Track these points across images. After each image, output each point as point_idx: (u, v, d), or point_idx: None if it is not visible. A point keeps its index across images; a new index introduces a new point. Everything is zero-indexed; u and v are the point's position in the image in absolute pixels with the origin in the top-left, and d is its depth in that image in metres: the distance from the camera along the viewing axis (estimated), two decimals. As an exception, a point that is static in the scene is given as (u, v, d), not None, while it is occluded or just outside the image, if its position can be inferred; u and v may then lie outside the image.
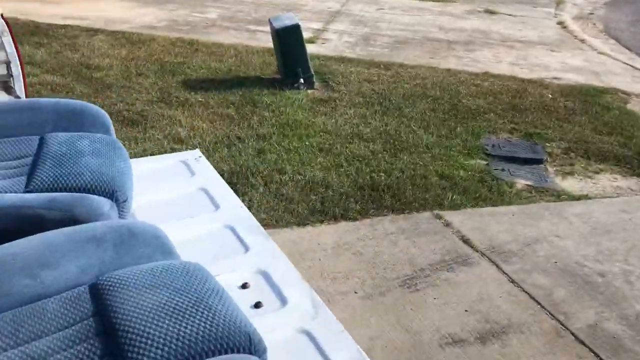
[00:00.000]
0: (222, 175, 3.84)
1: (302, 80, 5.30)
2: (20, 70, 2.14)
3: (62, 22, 6.70)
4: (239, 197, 3.62)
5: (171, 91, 5.12)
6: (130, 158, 1.88)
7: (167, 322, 1.09)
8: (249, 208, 3.54)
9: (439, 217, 3.69)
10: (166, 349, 1.04)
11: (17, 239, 1.48)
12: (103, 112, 2.02)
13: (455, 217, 3.71)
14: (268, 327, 1.50)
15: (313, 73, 5.38)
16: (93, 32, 6.52)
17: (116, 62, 5.66)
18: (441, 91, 5.60)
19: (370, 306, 2.91)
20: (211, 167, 2.29)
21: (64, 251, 1.30)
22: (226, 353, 1.06)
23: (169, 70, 5.57)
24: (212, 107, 4.88)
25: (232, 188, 3.69)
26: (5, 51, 2.11)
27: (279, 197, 3.69)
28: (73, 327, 1.14)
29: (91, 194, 1.63)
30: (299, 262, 3.17)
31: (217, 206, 2.05)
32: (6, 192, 1.59)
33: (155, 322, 1.10)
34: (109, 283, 1.22)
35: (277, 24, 5.24)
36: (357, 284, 3.06)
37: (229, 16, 7.86)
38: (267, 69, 5.81)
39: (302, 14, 7.96)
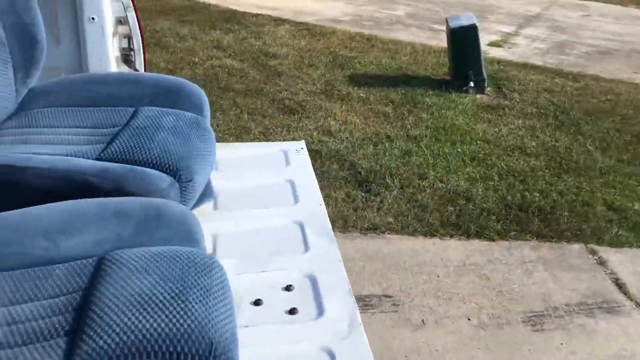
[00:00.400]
0: (359, 173, 3.77)
1: (471, 84, 4.97)
2: (141, 45, 2.24)
3: (255, 11, 7.08)
4: (371, 197, 3.53)
5: (335, 84, 5.13)
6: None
7: (133, 310, 1.02)
8: (378, 209, 3.41)
9: (593, 253, 3.20)
10: (118, 338, 0.97)
11: None
12: (200, 91, 2.02)
13: (613, 256, 3.19)
14: (292, 338, 1.37)
15: (485, 77, 5.02)
16: (280, 22, 6.79)
17: (293, 52, 5.82)
18: (635, 110, 4.88)
19: (482, 337, 2.60)
20: (308, 160, 2.20)
21: (87, 221, 1.30)
22: (179, 357, 0.95)
23: (340, 63, 5.59)
24: (370, 103, 4.79)
25: (366, 187, 3.60)
26: (129, 25, 2.22)
27: (412, 203, 3.48)
28: (60, 298, 1.12)
29: (154, 169, 1.62)
30: (415, 274, 2.96)
31: (296, 200, 1.95)
32: (78, 157, 1.65)
33: (123, 308, 1.03)
34: (111, 260, 1.19)
35: (453, 23, 4.97)
36: (474, 310, 2.76)
37: (415, 14, 7.69)
38: (439, 69, 5.56)
39: (495, 17, 7.51)
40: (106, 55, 2.20)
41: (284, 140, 4.07)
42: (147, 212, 1.33)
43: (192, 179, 1.66)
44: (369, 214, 3.39)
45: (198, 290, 1.08)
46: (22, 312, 1.09)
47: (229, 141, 4.04)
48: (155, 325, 1.00)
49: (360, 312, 2.71)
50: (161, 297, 1.04)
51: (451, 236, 3.25)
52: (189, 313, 1.03)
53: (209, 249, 1.70)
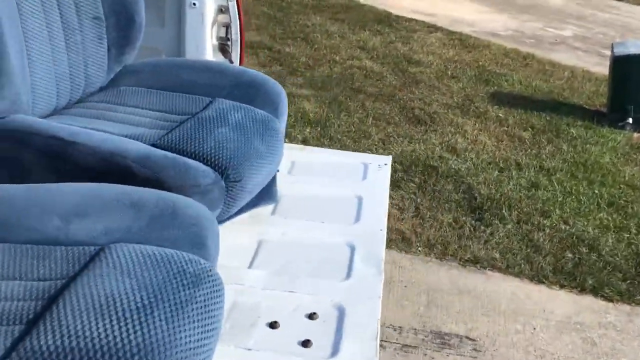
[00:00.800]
0: (474, 198, 3.47)
1: (630, 120, 4.41)
2: (240, 37, 2.19)
3: (409, 16, 6.91)
4: (481, 226, 3.23)
5: (474, 100, 4.82)
6: (372, 152, 1.77)
7: (95, 315, 0.94)
8: (485, 242, 3.11)
9: None
10: (67, 342, 0.90)
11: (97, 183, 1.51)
12: (280, 90, 1.93)
13: None
14: (294, 375, 1.22)
15: (649, 114, 4.43)
16: (433, 29, 6.56)
17: (437, 61, 5.58)
18: None
19: (567, 413, 2.26)
20: (388, 178, 2.02)
21: (103, 207, 1.25)
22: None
23: (485, 79, 5.25)
24: (508, 125, 4.43)
25: (478, 215, 3.31)
26: (229, 15, 2.18)
27: (526, 242, 3.14)
28: (45, 282, 1.08)
29: (203, 163, 1.55)
30: (509, 321, 2.66)
31: (357, 220, 1.79)
32: (136, 140, 1.63)
33: (87, 309, 0.96)
34: (107, 253, 1.13)
35: (618, 50, 4.44)
36: (566, 378, 2.41)
37: (585, 36, 7.03)
38: (596, 99, 5.01)
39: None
40: (203, 42, 2.19)
41: (402, 151, 3.89)
42: (163, 208, 1.25)
43: (241, 180, 1.57)
44: (474, 245, 3.11)
45: (173, 305, 0.98)
46: (4, 289, 1.06)
47: (345, 144, 3.95)
48: (110, 337, 0.91)
49: (434, 350, 2.49)
50: (128, 306, 0.96)
51: (562, 286, 2.88)
52: (152, 330, 0.93)
53: (249, 256, 1.61)
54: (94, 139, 1.50)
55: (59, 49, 1.77)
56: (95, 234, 1.20)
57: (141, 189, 1.32)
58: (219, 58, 2.28)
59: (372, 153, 3.84)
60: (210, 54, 2.22)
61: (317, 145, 3.93)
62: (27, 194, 1.27)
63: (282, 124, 1.84)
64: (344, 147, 3.92)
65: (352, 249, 1.63)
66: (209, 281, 1.09)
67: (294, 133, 4.08)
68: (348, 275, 1.54)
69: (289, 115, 4.30)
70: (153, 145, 1.60)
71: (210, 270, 1.12)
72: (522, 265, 2.97)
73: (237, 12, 2.12)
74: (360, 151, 3.83)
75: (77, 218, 1.22)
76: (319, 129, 4.19)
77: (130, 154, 1.46)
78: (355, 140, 4.04)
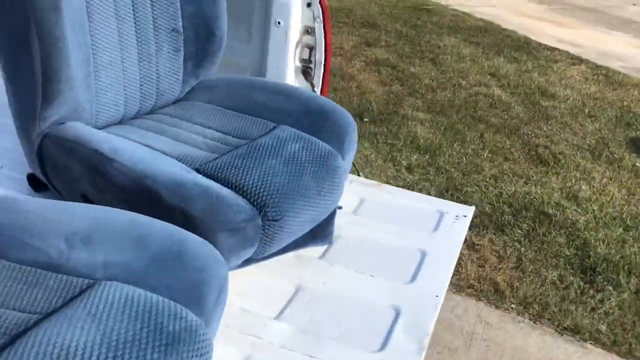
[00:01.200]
0: (587, 257, 3.07)
1: None
2: (324, 60, 2.05)
3: (552, 44, 6.42)
4: (590, 290, 2.82)
5: (610, 144, 4.32)
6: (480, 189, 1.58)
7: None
8: (592, 309, 2.73)
9: None
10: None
11: (128, 204, 1.44)
12: (350, 122, 1.76)
13: None
14: None
15: None
16: (577, 61, 6.03)
17: (575, 97, 5.10)
18: None
19: None
20: (463, 233, 1.77)
21: (109, 236, 1.17)
22: None
23: (627, 121, 4.71)
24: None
25: (589, 277, 2.91)
26: (314, 36, 2.04)
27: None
28: (20, 314, 1.02)
29: (242, 196, 1.43)
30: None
31: (413, 279, 1.57)
32: (184, 162, 1.55)
33: (31, 358, 0.87)
34: (94, 292, 1.04)
35: None
36: None
37: None
38: None
39: None
40: (284, 63, 2.08)
41: (515, 191, 3.56)
42: (169, 247, 1.15)
43: (280, 220, 1.43)
44: (578, 311, 2.74)
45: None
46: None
47: (452, 176, 3.69)
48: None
49: None
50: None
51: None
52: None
53: (279, 304, 1.47)
54: (132, 157, 1.43)
55: (129, 59, 1.75)
56: (94, 266, 1.12)
57: (154, 221, 1.22)
58: (301, 81, 2.16)
59: (481, 190, 3.54)
60: (291, 75, 2.11)
61: (422, 174, 3.71)
62: (42, 211, 1.23)
63: (346, 161, 1.68)
64: (450, 179, 3.66)
65: (397, 314, 1.43)
66: (191, 343, 0.96)
67: (399, 158, 3.89)
68: (383, 346, 1.34)
69: (398, 139, 4.11)
70: (196, 169, 1.51)
71: (197, 329, 0.99)
72: (633, 345, 2.56)
73: (323, 34, 1.99)
74: (467, 186, 3.56)
75: (82, 244, 1.15)
76: (427, 156, 3.96)
77: (160, 178, 1.38)
78: (464, 174, 3.76)
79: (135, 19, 1.75)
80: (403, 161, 3.88)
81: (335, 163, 1.62)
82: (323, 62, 2.04)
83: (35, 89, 1.52)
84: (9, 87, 1.58)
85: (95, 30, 1.63)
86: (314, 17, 2.01)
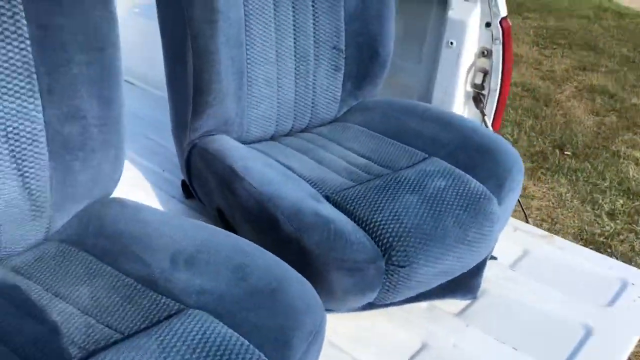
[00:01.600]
0: None
1: None
2: (500, 87, 1.78)
3: None
4: None
5: None
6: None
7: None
8: None
9: None
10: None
11: (252, 226, 1.37)
12: (514, 164, 1.48)
13: None
14: None
15: None
16: None
17: None
18: None
19: None
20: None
21: (211, 260, 1.09)
22: None
23: None
24: None
25: None
26: (491, 60, 1.79)
27: None
28: (107, 329, 1.00)
29: (367, 233, 1.29)
30: None
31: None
32: (318, 187, 1.45)
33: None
34: (177, 321, 0.99)
35: None
36: None
37: None
38: None
39: None
40: (453, 87, 1.86)
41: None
42: (265, 283, 1.06)
43: (407, 267, 1.26)
44: None
45: None
46: (73, 321, 1.01)
47: (600, 244, 3.07)
48: None
49: None
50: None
51: None
52: None
53: (402, 357, 1.30)
54: (262, 179, 1.37)
55: (286, 75, 1.71)
56: (189, 291, 1.07)
57: (259, 250, 1.14)
58: (470, 108, 1.94)
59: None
60: (460, 101, 1.90)
61: (626, 224, 3.20)
62: (159, 224, 1.22)
63: (503, 207, 1.44)
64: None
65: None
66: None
67: (601, 201, 3.41)
68: None
69: (603, 178, 3.60)
70: (327, 196, 1.40)
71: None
72: None
73: (501, 58, 1.75)
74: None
75: (185, 265, 1.12)
76: (637, 202, 3.41)
77: (281, 204, 1.30)
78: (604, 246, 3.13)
79: (295, 34, 1.70)
80: (605, 205, 3.39)
81: (488, 208, 1.39)
82: (498, 90, 1.80)
83: (188, 100, 1.54)
84: (169, 95, 1.63)
85: (252, 44, 1.61)
86: (492, 38, 1.79)
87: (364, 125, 1.78)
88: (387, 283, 1.28)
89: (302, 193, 1.36)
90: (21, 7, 1.09)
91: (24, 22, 1.09)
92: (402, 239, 1.28)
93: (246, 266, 1.10)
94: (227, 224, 1.51)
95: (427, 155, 1.57)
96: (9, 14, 1.08)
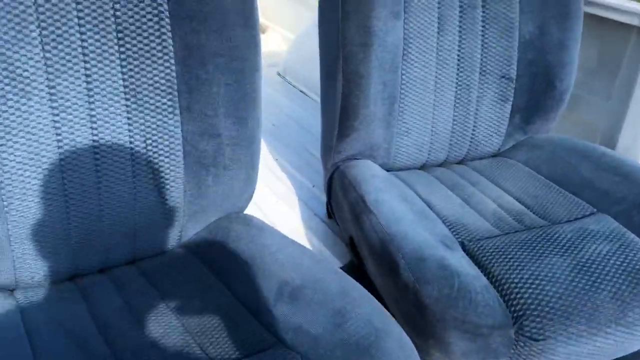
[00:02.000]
0: None
1: None
2: None
3: None
4: None
5: None
6: None
7: None
8: None
9: None
10: None
11: (374, 264, 1.28)
12: None
13: None
14: None
15: None
16: None
17: None
18: None
19: None
20: None
21: (315, 299, 1.02)
22: None
23: None
24: None
25: None
26: None
27: None
28: (204, 356, 1.00)
29: (500, 295, 1.12)
30: None
31: None
32: (453, 230, 1.30)
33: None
34: None
35: None
36: None
37: None
38: None
39: None
40: (643, 131, 1.56)
41: None
42: (366, 333, 0.97)
43: (541, 342, 1.08)
44: None
45: None
46: (167, 332, 1.04)
47: None
48: None
49: None
50: None
51: None
52: None
53: None
54: (390, 216, 1.28)
55: (443, 103, 1.58)
56: (287, 328, 1.03)
57: (366, 296, 1.06)
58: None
59: None
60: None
61: None
62: (277, 248, 1.19)
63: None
64: None
65: None
66: None
67: None
68: None
69: None
70: (462, 243, 1.27)
71: None
72: None
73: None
74: None
75: (289, 298, 1.08)
76: None
77: (404, 247, 1.19)
78: None
79: (459, 61, 1.57)
80: None
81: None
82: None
83: (335, 121, 1.50)
84: (322, 114, 1.61)
85: (409, 69, 1.52)
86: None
87: (528, 165, 1.59)
88: (517, 356, 1.11)
89: (432, 236, 1.24)
90: (169, 27, 1.13)
91: (171, 41, 1.13)
92: (538, 307, 1.10)
93: (348, 311, 1.03)
94: (357, 254, 1.44)
95: (594, 210, 1.35)
96: (157, 34, 1.13)
